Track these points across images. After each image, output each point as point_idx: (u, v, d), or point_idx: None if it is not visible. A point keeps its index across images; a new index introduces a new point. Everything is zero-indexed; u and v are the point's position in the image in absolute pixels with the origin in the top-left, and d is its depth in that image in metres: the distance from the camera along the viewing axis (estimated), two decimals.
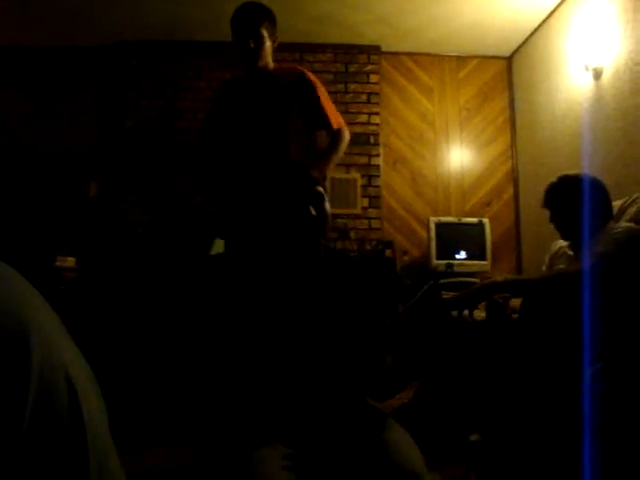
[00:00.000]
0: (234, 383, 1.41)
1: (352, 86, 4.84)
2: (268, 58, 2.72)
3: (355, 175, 4.75)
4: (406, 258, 4.73)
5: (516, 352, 1.92)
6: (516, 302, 2.24)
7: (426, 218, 4.57)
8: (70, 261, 3.68)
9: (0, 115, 4.77)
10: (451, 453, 2.04)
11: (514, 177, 4.96)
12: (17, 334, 0.46)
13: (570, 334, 1.69)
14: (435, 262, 4.29)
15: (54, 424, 0.47)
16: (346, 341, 1.45)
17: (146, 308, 2.52)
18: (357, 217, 4.71)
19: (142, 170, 4.64)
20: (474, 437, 2.10)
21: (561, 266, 2.33)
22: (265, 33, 2.63)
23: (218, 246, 3.07)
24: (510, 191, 4.97)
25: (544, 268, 2.55)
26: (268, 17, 2.67)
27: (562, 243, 2.44)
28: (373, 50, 4.93)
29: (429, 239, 4.37)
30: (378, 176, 4.82)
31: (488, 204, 4.94)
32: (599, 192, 2.18)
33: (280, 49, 4.66)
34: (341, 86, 4.81)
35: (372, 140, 4.82)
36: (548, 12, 4.23)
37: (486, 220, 4.45)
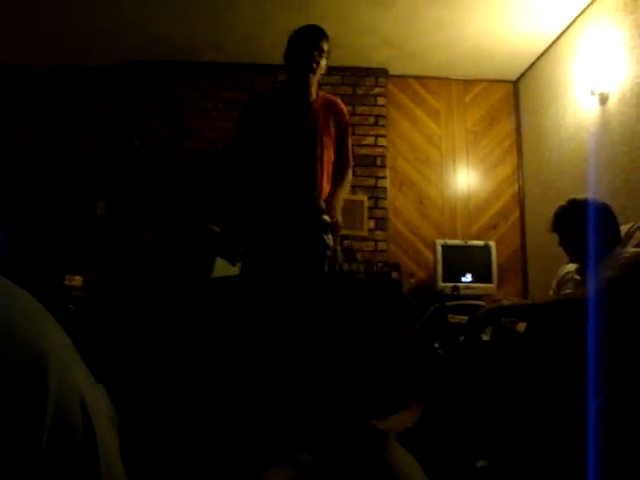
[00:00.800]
0: (238, 402, 1.40)
1: (360, 108, 4.88)
2: (317, 78, 2.74)
3: (362, 197, 4.76)
4: (412, 280, 4.71)
5: (523, 376, 1.90)
6: (522, 326, 2.23)
7: (432, 240, 4.58)
8: (77, 280, 3.69)
9: (10, 134, 4.82)
10: (457, 479, 2.02)
11: (520, 200, 4.96)
12: (33, 362, 0.46)
13: (577, 360, 1.68)
14: (441, 284, 4.28)
15: (69, 450, 0.47)
16: (350, 361, 1.44)
17: (153, 328, 2.51)
18: (364, 239, 4.71)
19: (149, 190, 4.66)
20: (481, 463, 2.08)
21: (568, 290, 2.32)
22: (326, 47, 2.68)
23: (219, 267, 3.06)
24: (516, 214, 4.96)
25: (551, 292, 2.54)
26: (328, 39, 2.71)
27: (569, 267, 2.43)
28: (380, 73, 4.97)
29: (435, 261, 4.36)
30: (385, 198, 4.83)
31: (494, 227, 4.94)
32: (607, 216, 2.18)
33: None
34: (349, 108, 4.84)
35: (379, 162, 4.83)
36: (554, 37, 4.26)
37: (492, 243, 4.44)
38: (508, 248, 4.88)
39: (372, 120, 4.89)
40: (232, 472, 1.26)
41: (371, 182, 4.78)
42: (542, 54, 4.53)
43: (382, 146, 4.89)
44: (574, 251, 2.25)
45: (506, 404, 1.92)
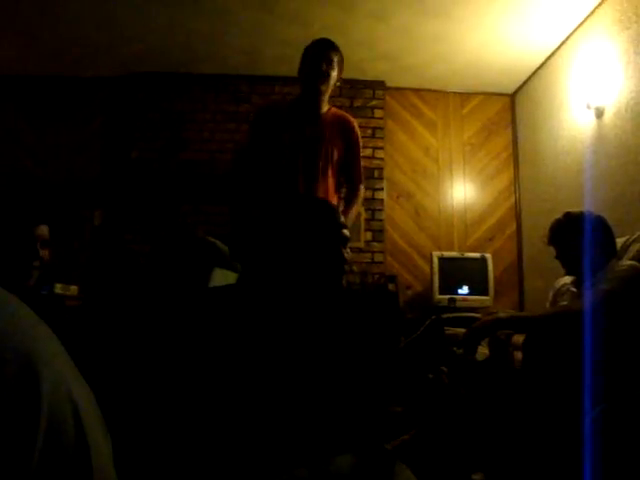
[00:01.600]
0: (236, 416, 1.39)
1: (357, 121, 4.89)
2: (328, 92, 2.80)
3: (359, 209, 4.76)
4: (409, 292, 4.71)
5: (519, 390, 1.90)
6: (519, 338, 2.23)
7: (429, 252, 4.58)
8: (73, 289, 3.68)
9: (6, 144, 4.81)
10: None
11: (517, 212, 4.98)
12: (26, 368, 0.45)
13: (573, 372, 1.68)
14: (438, 297, 4.28)
15: (62, 460, 0.47)
16: (347, 374, 1.44)
17: (148, 338, 2.50)
18: (360, 251, 4.71)
19: (146, 200, 4.66)
20: (477, 476, 2.07)
21: (564, 303, 2.32)
22: (335, 59, 2.73)
23: (216, 278, 3.05)
24: (513, 226, 4.98)
25: (548, 305, 2.55)
26: (340, 53, 2.78)
27: (566, 280, 2.44)
28: (378, 85, 4.99)
29: (432, 273, 4.36)
30: (381, 210, 4.84)
31: (491, 239, 4.95)
32: (603, 229, 2.19)
33: (287, 83, 4.78)
34: None
35: (376, 174, 4.84)
36: (550, 52, 4.30)
37: (489, 255, 4.45)
38: (504, 260, 4.88)
39: (369, 132, 4.91)
40: None
41: (368, 194, 4.78)
42: (538, 68, 4.56)
43: (379, 158, 4.90)
44: (570, 264, 2.25)
45: (502, 417, 1.92)
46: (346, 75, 4.78)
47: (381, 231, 4.80)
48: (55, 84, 4.95)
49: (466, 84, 4.99)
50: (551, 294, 2.56)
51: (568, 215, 2.27)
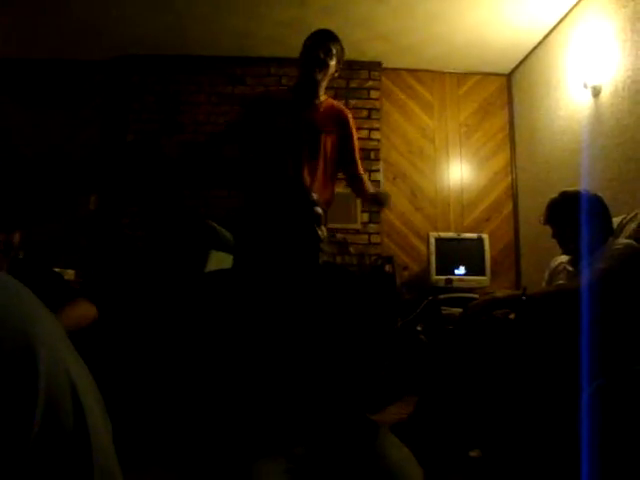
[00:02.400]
0: (233, 395, 1.40)
1: (353, 102, 4.86)
2: (325, 82, 2.84)
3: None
4: (406, 273, 4.72)
5: (515, 367, 1.91)
6: None
7: (426, 233, 4.58)
8: (70, 273, 3.68)
9: (1, 127, 4.77)
10: (451, 469, 2.03)
11: (513, 193, 4.98)
12: (24, 348, 0.46)
13: (570, 350, 1.69)
14: (434, 277, 4.29)
15: (60, 438, 0.47)
16: (344, 355, 1.45)
17: (147, 320, 2.51)
18: (357, 232, 4.71)
19: (142, 184, 4.64)
20: (474, 453, 2.09)
21: (561, 282, 2.33)
22: (334, 50, 2.76)
23: (213, 260, 3.06)
24: (509, 207, 4.98)
25: (544, 284, 2.56)
26: (340, 45, 2.81)
27: (562, 259, 2.45)
28: (374, 66, 4.96)
29: (429, 254, 4.37)
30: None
31: (487, 220, 4.95)
32: (599, 208, 2.20)
33: (282, 64, 4.75)
34: (342, 101, 4.83)
35: (372, 155, 4.83)
36: (547, 31, 4.27)
37: (485, 235, 4.45)
38: (501, 241, 4.89)
39: (365, 113, 4.88)
40: (226, 462, 1.27)
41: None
42: (535, 47, 4.53)
43: (376, 139, 4.88)
44: (567, 243, 2.26)
45: (499, 395, 1.93)
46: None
47: (377, 212, 4.79)
48: (49, 67, 4.90)
49: (463, 64, 4.97)
50: (547, 273, 2.57)
51: (564, 194, 2.27)
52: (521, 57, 4.77)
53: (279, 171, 2.70)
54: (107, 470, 0.53)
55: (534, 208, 4.31)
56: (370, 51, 4.74)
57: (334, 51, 2.76)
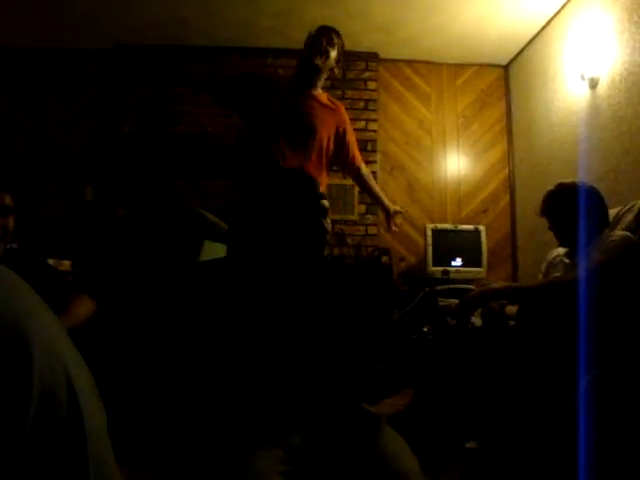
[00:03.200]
0: (230, 386, 1.40)
1: (349, 93, 4.85)
2: (324, 73, 2.89)
3: (352, 181, 4.75)
4: (403, 265, 4.73)
5: (512, 359, 1.92)
6: (512, 309, 2.24)
7: (422, 225, 4.58)
8: (65, 264, 3.67)
9: None
10: (447, 460, 2.04)
11: (510, 184, 4.97)
12: (19, 341, 0.46)
13: (566, 341, 1.70)
14: (431, 269, 4.29)
15: (55, 427, 0.47)
16: (341, 346, 1.45)
17: (142, 312, 2.51)
18: (354, 223, 4.71)
19: (138, 175, 4.63)
20: (470, 444, 2.10)
21: (557, 274, 2.33)
22: (336, 40, 2.84)
23: (207, 251, 3.06)
24: (506, 198, 4.98)
25: (540, 276, 2.56)
26: (342, 40, 2.91)
27: (559, 251, 2.45)
28: (371, 57, 4.94)
29: (425, 246, 4.37)
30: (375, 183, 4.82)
31: (484, 211, 4.95)
32: (596, 200, 2.20)
33: (279, 55, 4.72)
34: (339, 92, 4.81)
35: (369, 147, 4.82)
36: (544, 22, 4.25)
37: (482, 227, 4.46)
38: (498, 232, 4.89)
39: (362, 105, 4.87)
40: (223, 452, 1.27)
41: None
42: (532, 38, 4.52)
43: (373, 130, 4.87)
44: (563, 235, 2.26)
45: (496, 386, 1.94)
46: None
47: (374, 204, 4.79)
48: (44, 57, 4.86)
49: (460, 55, 4.95)
50: (544, 265, 2.58)
51: (561, 186, 2.27)
52: (518, 48, 4.75)
53: (272, 154, 2.71)
54: (101, 459, 0.53)
55: (531, 200, 4.31)
56: (367, 42, 4.72)
57: (336, 41, 2.82)
